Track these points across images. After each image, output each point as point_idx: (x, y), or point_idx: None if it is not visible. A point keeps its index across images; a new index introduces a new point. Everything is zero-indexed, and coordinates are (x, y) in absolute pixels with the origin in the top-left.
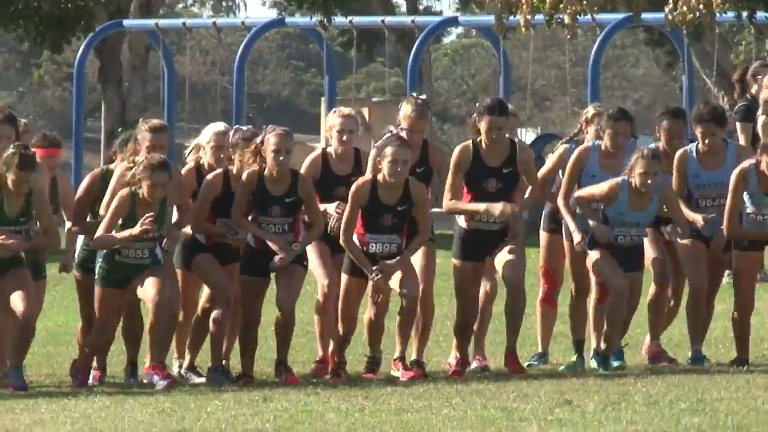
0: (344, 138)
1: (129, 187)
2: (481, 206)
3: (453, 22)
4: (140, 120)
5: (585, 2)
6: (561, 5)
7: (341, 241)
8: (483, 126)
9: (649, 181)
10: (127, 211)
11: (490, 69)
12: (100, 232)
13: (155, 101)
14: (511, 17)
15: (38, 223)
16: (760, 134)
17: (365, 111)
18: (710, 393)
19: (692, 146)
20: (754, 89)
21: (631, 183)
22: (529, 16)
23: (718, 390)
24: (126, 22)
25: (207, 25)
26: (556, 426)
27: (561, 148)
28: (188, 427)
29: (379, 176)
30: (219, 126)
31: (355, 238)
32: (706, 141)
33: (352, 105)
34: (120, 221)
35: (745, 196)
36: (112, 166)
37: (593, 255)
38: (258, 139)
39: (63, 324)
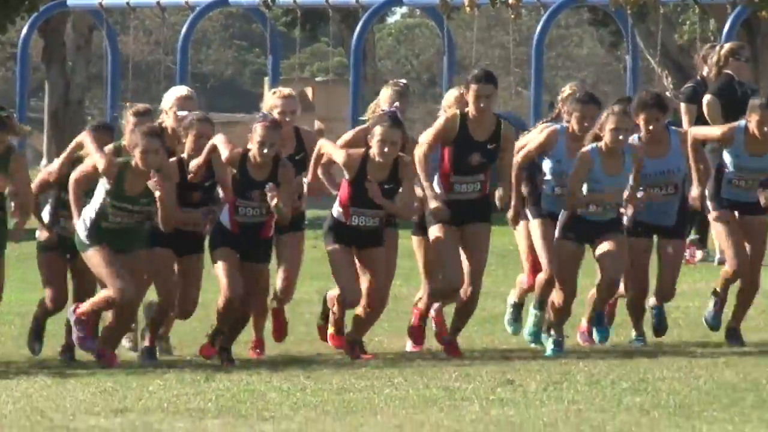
0: (286, 119)
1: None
2: (429, 192)
3: (397, 2)
4: (126, 105)
5: None
6: None
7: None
8: (470, 96)
9: (620, 137)
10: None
11: (434, 49)
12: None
13: (99, 81)
14: None
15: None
16: (705, 113)
17: (309, 91)
18: (652, 373)
19: (635, 136)
20: (705, 71)
21: (600, 148)
22: None
23: (660, 370)
24: (70, 2)
25: (151, 4)
26: (498, 405)
27: (547, 129)
28: (130, 406)
29: (371, 152)
30: (182, 90)
31: (338, 208)
32: (650, 127)
33: (294, 85)
34: (108, 187)
35: (727, 160)
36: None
37: (558, 246)
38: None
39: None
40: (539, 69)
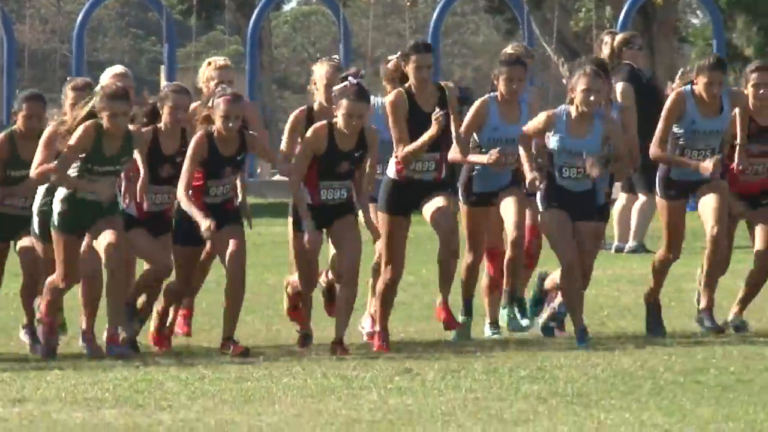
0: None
1: (94, 118)
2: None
3: None
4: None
5: None
6: None
7: (288, 187)
8: (411, 68)
9: (591, 98)
10: (91, 143)
11: (330, 37)
12: (60, 166)
13: None
14: None
15: None
16: (620, 100)
17: None
18: (550, 361)
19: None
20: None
21: (569, 112)
22: None
23: (558, 358)
24: None
25: None
26: (396, 394)
27: (479, 101)
28: (28, 396)
29: (335, 121)
30: (117, 68)
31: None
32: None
33: (191, 74)
34: (83, 155)
35: (679, 130)
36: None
37: (545, 216)
38: (210, 103)
39: None
40: (435, 56)
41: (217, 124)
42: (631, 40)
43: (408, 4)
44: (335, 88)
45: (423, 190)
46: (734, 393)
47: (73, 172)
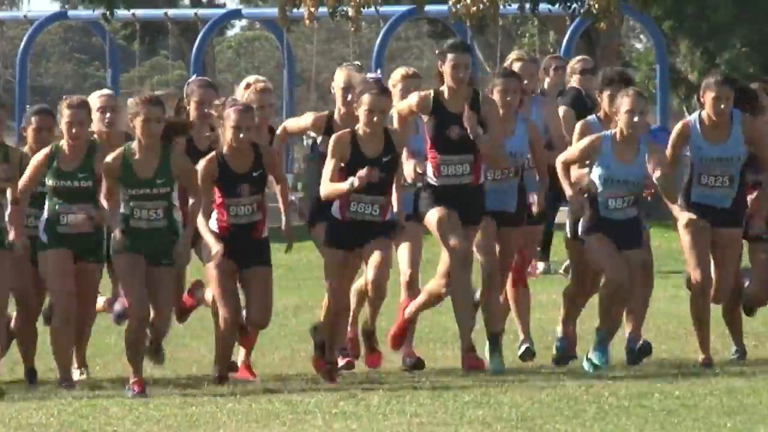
0: (264, 115)
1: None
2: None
3: (236, 14)
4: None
5: None
6: None
7: (322, 196)
8: (447, 67)
9: (635, 119)
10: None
11: (274, 61)
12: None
13: None
14: (295, 10)
15: None
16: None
17: None
18: (495, 385)
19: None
20: (546, 83)
21: (614, 135)
22: (312, 9)
23: (502, 382)
24: None
25: None
26: (341, 419)
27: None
28: None
29: (358, 128)
30: (103, 91)
31: (336, 209)
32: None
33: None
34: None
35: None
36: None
37: (590, 241)
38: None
39: None
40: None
41: (228, 136)
42: (586, 67)
43: (352, 29)
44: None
45: (460, 195)
46: (678, 417)
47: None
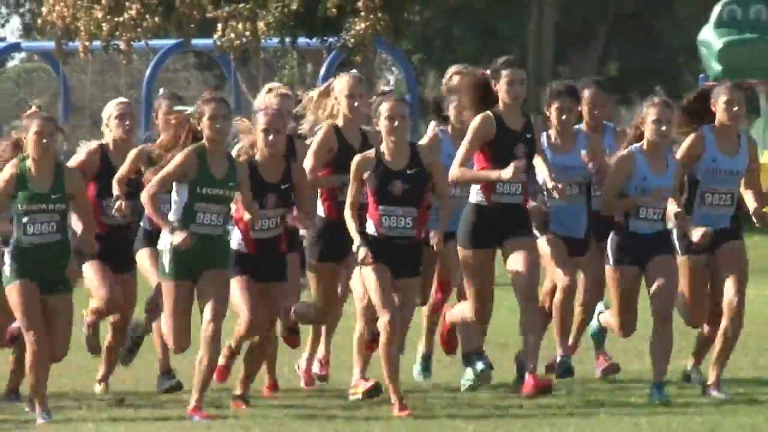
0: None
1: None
2: (492, 173)
3: (16, 48)
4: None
5: (139, 30)
6: (117, 32)
7: (345, 215)
8: (503, 83)
9: (663, 128)
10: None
11: (52, 91)
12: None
13: None
14: (71, 43)
15: None
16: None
17: None
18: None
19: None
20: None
21: (642, 146)
22: (87, 43)
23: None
24: None
25: None
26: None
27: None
28: None
29: (382, 146)
30: (120, 99)
31: (371, 225)
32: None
33: None
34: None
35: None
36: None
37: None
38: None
39: None
40: (149, 109)
41: (258, 139)
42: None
43: (124, 61)
44: (375, 100)
45: (508, 216)
46: None
47: (184, 199)
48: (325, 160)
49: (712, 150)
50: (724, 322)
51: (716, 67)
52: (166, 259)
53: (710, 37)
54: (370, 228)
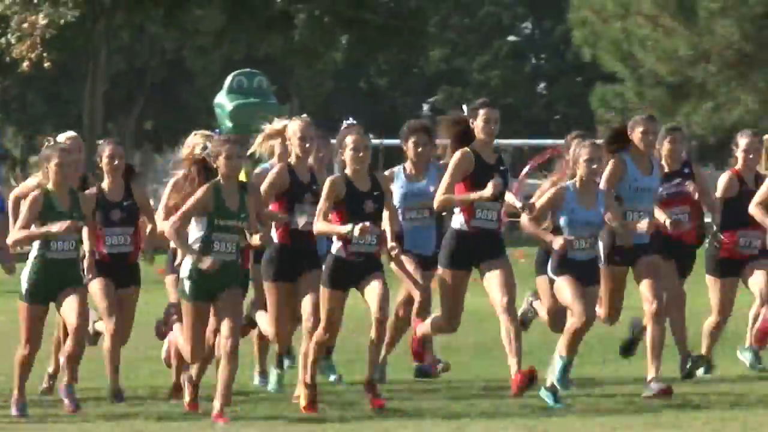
0: (306, 145)
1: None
2: (473, 194)
3: None
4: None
5: None
6: None
7: (315, 230)
8: (480, 121)
9: (594, 166)
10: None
11: None
12: (17, 232)
13: None
14: None
15: None
16: None
17: None
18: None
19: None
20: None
21: (573, 184)
22: None
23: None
24: None
25: None
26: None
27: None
28: None
29: (347, 170)
30: (68, 134)
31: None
32: (418, 150)
33: None
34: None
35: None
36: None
37: (560, 282)
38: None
39: None
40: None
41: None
42: None
43: None
44: (340, 133)
45: (485, 239)
46: None
47: (197, 231)
48: (278, 194)
49: (633, 170)
50: (649, 326)
51: (228, 124)
52: (186, 283)
53: (223, 101)
54: (336, 251)
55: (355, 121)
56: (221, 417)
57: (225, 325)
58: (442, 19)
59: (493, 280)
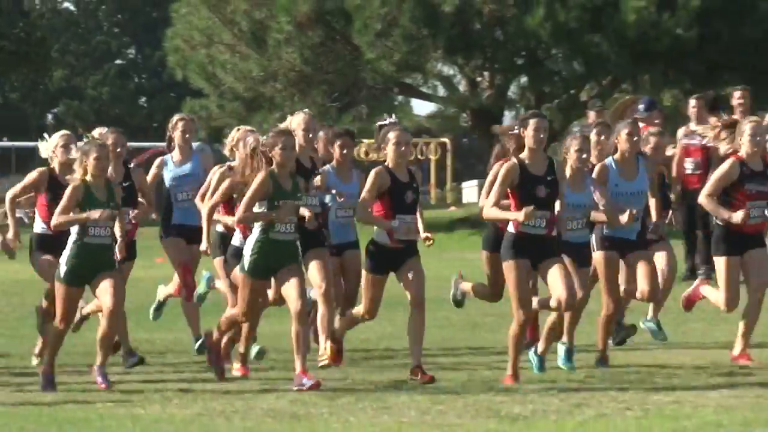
0: (310, 136)
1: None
2: (511, 215)
3: None
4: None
5: None
6: None
7: (357, 219)
8: (530, 130)
9: (584, 156)
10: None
11: None
12: (59, 217)
13: None
14: None
15: None
16: None
17: None
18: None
19: None
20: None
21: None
22: None
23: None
24: None
25: None
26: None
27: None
28: None
29: (389, 163)
30: (62, 132)
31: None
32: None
33: None
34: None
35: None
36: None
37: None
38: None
39: None
40: None
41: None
42: None
43: None
44: (382, 128)
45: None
46: None
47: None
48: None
49: (614, 177)
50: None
51: None
52: (248, 260)
53: None
54: (381, 238)
55: (395, 120)
56: (305, 374)
57: (291, 289)
58: (62, 45)
59: (553, 277)
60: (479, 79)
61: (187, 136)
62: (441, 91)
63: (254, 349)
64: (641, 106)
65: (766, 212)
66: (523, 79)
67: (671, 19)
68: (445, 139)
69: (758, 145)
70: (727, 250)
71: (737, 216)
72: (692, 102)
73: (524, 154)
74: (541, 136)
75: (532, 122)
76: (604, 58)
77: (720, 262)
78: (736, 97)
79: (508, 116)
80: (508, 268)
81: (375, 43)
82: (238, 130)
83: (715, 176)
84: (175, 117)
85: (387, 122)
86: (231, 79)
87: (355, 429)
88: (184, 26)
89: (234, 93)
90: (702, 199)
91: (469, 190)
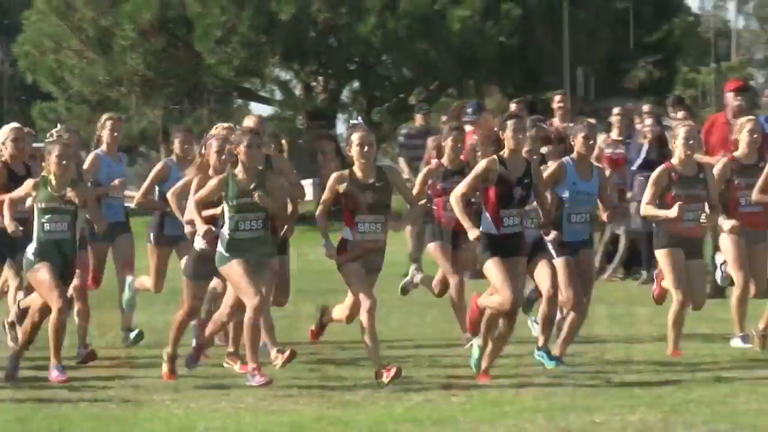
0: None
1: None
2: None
3: None
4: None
5: None
6: None
7: (317, 217)
8: (509, 131)
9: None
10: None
11: None
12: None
13: None
14: None
15: None
16: None
17: None
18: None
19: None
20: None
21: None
22: None
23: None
24: None
25: None
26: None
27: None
28: None
29: (354, 168)
30: (13, 124)
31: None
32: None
33: None
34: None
35: (564, 194)
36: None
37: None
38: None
39: None
40: None
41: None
42: None
43: None
44: (348, 130)
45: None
46: None
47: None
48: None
49: (572, 175)
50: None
51: None
52: (222, 247)
53: None
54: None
55: (361, 121)
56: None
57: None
58: None
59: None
60: (314, 83)
61: (116, 134)
62: (278, 95)
63: (133, 333)
64: (469, 110)
65: (702, 218)
66: (356, 84)
67: (494, 27)
68: (282, 140)
69: (691, 149)
70: (668, 243)
71: (672, 211)
72: (512, 106)
73: (504, 154)
74: (520, 137)
75: (510, 124)
76: (432, 64)
77: (661, 254)
78: (556, 101)
79: (341, 119)
80: (488, 267)
81: (215, 49)
82: (217, 128)
83: (648, 184)
84: (104, 117)
85: (351, 124)
86: (78, 83)
87: (196, 415)
88: (34, 32)
89: (81, 96)
90: (642, 209)
91: (306, 188)
